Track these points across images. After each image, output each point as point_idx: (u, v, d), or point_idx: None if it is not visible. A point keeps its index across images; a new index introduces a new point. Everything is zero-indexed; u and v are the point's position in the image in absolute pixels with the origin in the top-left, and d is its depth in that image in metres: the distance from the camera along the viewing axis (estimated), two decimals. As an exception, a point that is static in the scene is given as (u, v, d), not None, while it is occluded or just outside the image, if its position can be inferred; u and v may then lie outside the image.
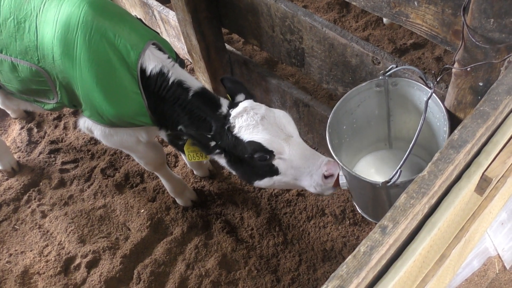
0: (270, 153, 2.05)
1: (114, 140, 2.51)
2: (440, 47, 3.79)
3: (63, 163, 3.53)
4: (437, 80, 1.74)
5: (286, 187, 2.25)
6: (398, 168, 1.53)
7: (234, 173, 2.29)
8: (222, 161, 2.26)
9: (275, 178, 2.14)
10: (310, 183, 2.10)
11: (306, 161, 2.07)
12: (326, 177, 2.05)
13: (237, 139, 2.10)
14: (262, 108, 2.13)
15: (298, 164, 2.08)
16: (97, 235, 3.10)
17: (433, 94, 1.68)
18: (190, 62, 3.61)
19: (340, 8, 4.23)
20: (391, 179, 1.55)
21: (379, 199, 1.79)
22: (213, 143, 2.16)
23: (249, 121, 2.08)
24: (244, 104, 2.14)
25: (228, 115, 2.15)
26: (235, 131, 2.09)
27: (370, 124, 2.11)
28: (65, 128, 3.75)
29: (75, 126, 3.72)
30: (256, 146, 2.04)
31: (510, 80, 1.40)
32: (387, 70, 1.87)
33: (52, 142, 3.66)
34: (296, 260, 2.86)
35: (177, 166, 3.43)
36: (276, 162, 2.09)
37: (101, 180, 3.37)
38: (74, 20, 2.14)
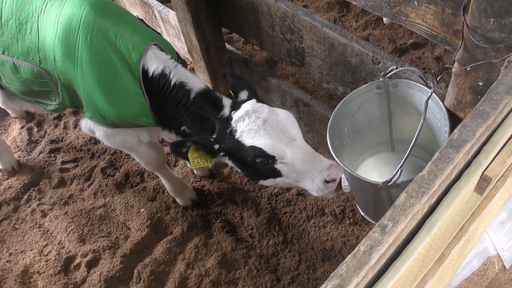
0: (272, 158, 2.05)
1: (116, 140, 2.51)
2: (440, 46, 3.79)
3: (63, 162, 3.53)
4: (437, 79, 1.74)
5: (292, 186, 2.26)
6: (398, 167, 1.53)
7: (239, 171, 2.30)
8: (228, 162, 2.26)
9: (279, 179, 2.16)
10: (312, 187, 2.11)
11: (308, 166, 2.07)
12: (327, 181, 2.06)
13: (239, 143, 2.09)
14: (264, 110, 2.10)
15: (300, 168, 2.08)
16: (97, 235, 3.10)
17: (433, 94, 1.68)
18: (191, 62, 3.61)
19: (340, 7, 4.23)
20: (391, 178, 1.55)
21: (380, 200, 1.78)
22: (216, 146, 2.16)
23: (251, 125, 2.06)
24: (246, 106, 2.12)
25: (230, 117, 2.13)
26: (237, 135, 2.08)
27: (372, 126, 2.10)
28: (65, 127, 3.75)
29: (75, 126, 3.72)
30: (258, 152, 2.04)
31: (510, 79, 1.40)
32: (387, 72, 1.86)
33: (52, 141, 3.66)
34: (296, 259, 2.86)
35: (177, 165, 3.43)
36: (278, 166, 2.09)
37: (101, 180, 3.37)
38: (76, 21, 2.14)
